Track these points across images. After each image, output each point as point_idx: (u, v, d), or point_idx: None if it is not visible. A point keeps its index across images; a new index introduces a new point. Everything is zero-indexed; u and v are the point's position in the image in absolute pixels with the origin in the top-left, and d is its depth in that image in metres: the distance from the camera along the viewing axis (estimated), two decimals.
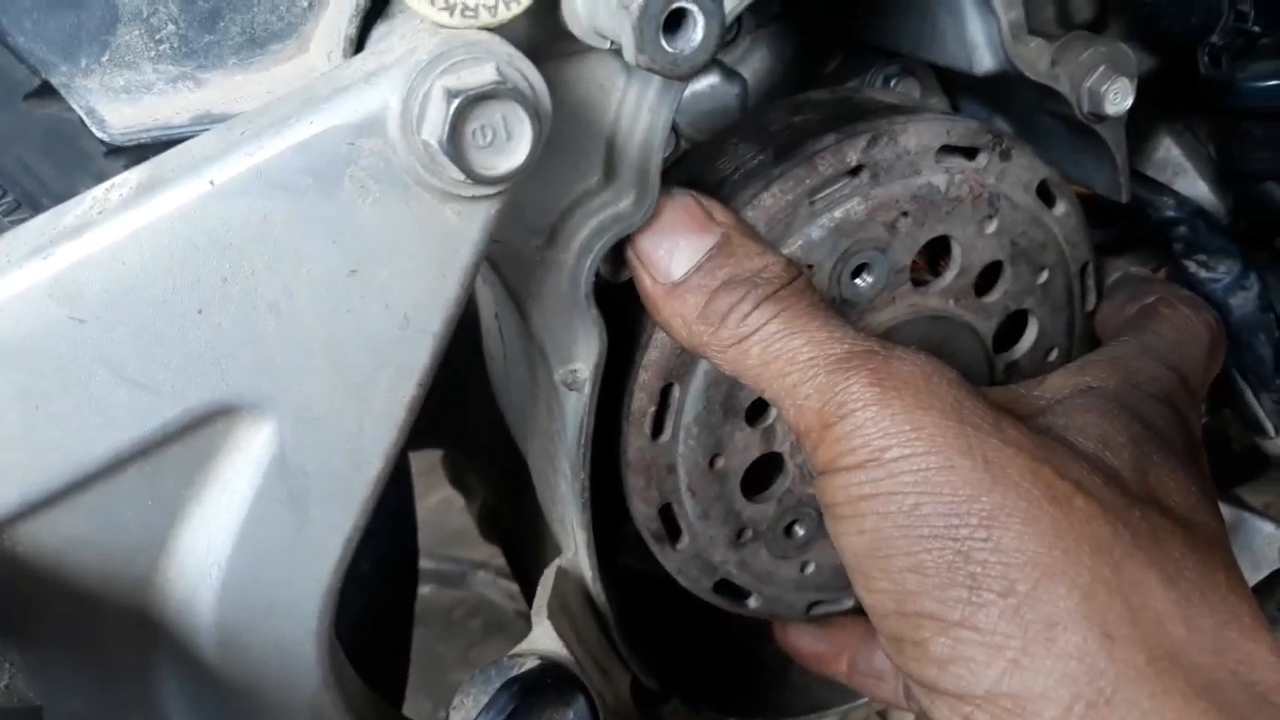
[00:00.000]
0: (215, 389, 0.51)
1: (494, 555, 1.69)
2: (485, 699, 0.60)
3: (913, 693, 0.56)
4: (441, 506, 1.61)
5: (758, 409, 0.68)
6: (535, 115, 0.48)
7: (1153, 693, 0.49)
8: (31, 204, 0.60)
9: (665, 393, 0.66)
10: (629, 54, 0.47)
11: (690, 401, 0.66)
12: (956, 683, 0.51)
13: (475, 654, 1.67)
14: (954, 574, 0.51)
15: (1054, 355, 0.75)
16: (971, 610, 0.51)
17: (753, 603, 0.75)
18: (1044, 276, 0.72)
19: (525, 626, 0.67)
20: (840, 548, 0.56)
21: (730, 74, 0.77)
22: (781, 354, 0.56)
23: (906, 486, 0.52)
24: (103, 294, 0.48)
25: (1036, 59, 0.67)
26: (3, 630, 0.54)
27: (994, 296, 0.71)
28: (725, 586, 0.74)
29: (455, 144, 0.47)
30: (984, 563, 0.51)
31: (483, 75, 0.47)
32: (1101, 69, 0.68)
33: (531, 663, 0.61)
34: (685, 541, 0.71)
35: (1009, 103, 0.74)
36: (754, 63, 0.80)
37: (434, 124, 0.47)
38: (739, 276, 0.58)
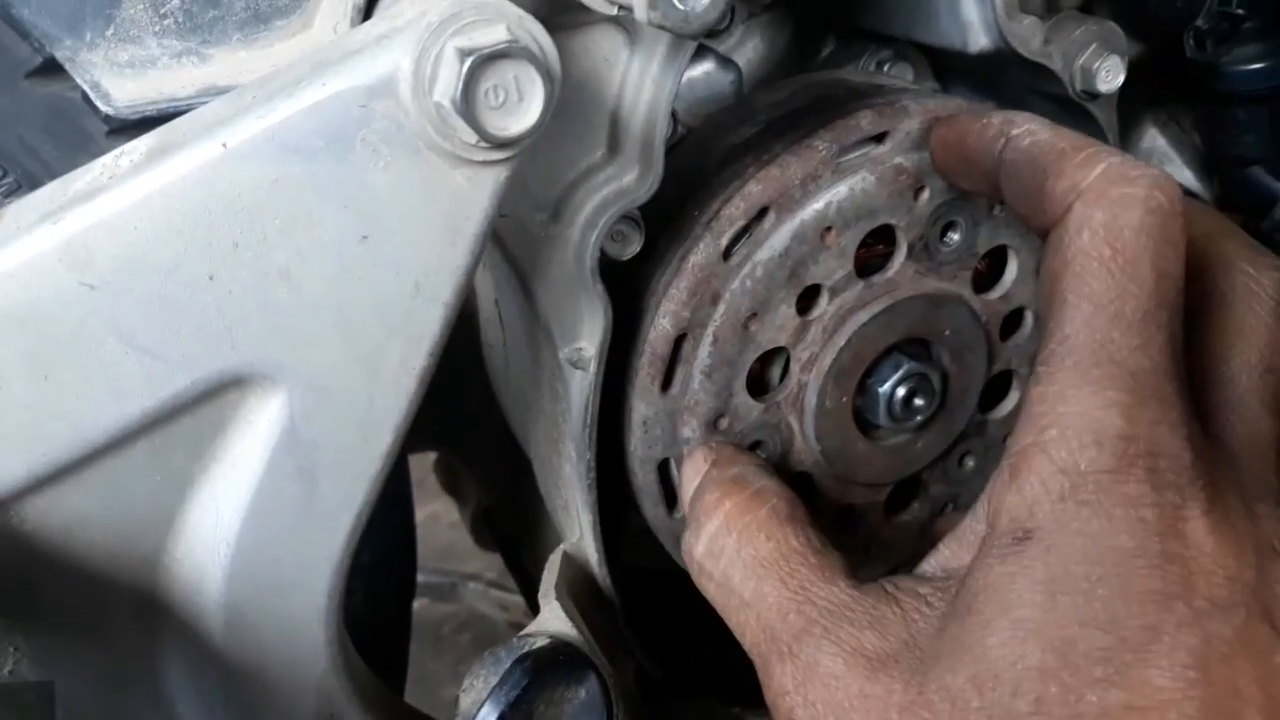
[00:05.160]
0: (226, 357, 0.50)
1: (485, 568, 1.68)
2: (496, 678, 0.59)
3: None
4: (429, 521, 1.59)
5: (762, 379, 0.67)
6: (547, 75, 0.48)
7: None
8: (32, 185, 0.60)
9: (678, 344, 0.63)
10: (640, 12, 0.47)
11: (699, 360, 0.64)
12: None
13: (465, 670, 1.63)
14: None
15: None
16: None
17: None
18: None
19: None
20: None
21: (725, 61, 0.78)
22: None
23: None
24: (114, 259, 0.48)
25: (1030, 36, 0.67)
26: (8, 612, 0.53)
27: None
28: None
29: (468, 104, 0.47)
30: None
31: (495, 35, 0.47)
32: (1093, 47, 0.68)
33: (542, 641, 0.61)
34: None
35: (1000, 85, 0.75)
36: (747, 51, 0.80)
37: (447, 84, 0.47)
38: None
